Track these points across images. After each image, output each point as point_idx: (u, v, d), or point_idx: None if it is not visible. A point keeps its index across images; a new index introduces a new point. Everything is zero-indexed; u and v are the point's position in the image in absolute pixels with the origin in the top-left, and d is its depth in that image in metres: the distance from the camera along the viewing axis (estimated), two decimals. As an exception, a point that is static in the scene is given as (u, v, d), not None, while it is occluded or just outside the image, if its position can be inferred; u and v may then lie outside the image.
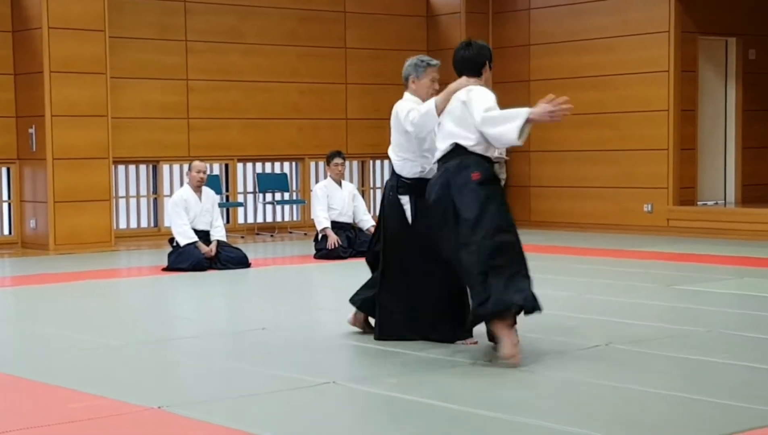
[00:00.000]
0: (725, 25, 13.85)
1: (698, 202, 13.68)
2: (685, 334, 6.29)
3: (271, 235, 13.74)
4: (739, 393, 4.83)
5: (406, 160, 6.22)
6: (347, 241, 10.95)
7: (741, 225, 12.50)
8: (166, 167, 13.51)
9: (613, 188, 13.70)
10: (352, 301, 6.42)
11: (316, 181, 13.70)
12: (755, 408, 4.51)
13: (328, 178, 11.30)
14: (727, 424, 4.27)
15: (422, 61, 6.33)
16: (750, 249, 11.12)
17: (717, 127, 14.13)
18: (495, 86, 15.11)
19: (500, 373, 5.31)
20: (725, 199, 14.13)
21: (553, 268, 9.90)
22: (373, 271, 6.43)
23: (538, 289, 8.33)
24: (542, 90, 14.47)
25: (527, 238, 13.10)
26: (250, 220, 14.24)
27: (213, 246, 10.05)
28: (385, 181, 6.33)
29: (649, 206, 13.32)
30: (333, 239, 10.81)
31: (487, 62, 6.15)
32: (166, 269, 10.00)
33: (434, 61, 6.37)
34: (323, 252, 10.87)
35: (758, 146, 14.26)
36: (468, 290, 5.77)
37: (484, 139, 5.93)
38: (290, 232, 14.09)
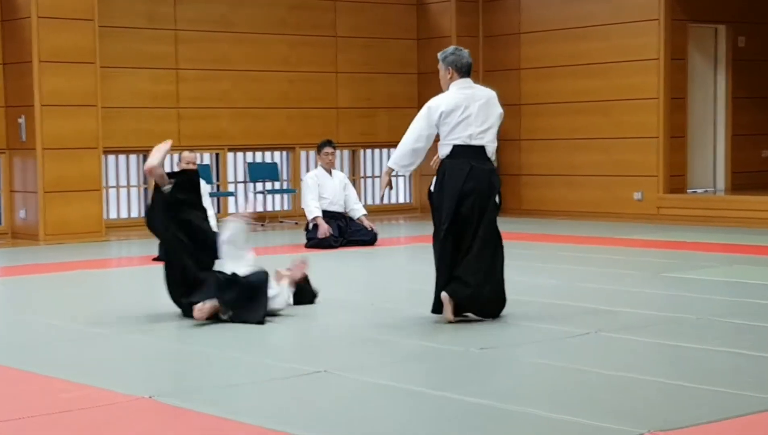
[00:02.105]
0: (715, 12, 13.87)
1: (688, 190, 13.71)
2: (674, 321, 6.31)
3: (262, 225, 13.73)
4: (729, 379, 4.86)
5: None
6: (338, 230, 10.95)
7: (731, 212, 12.54)
8: (156, 157, 13.46)
9: (603, 176, 13.72)
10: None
11: (307, 171, 13.69)
12: (745, 394, 4.53)
13: (319, 167, 11.30)
14: (716, 411, 4.29)
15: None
16: (739, 236, 11.16)
17: (707, 114, 14.16)
18: (486, 75, 15.27)
19: (491, 361, 5.33)
20: (715, 187, 14.16)
21: (543, 256, 9.92)
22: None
23: (529, 277, 8.37)
24: (533, 78, 14.51)
25: (518, 227, 13.22)
26: (241, 209, 14.23)
27: (204, 235, 10.03)
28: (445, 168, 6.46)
29: (639, 194, 13.34)
30: (324, 228, 10.81)
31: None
32: (157, 259, 9.98)
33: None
34: (314, 241, 10.87)
35: (747, 133, 14.30)
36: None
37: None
38: (281, 222, 14.09)
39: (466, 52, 6.63)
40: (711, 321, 6.31)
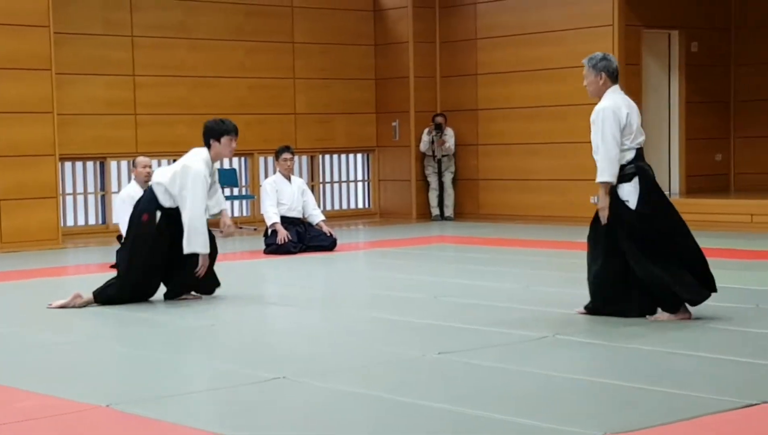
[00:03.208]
0: (668, 18, 14.05)
1: (644, 194, 13.84)
2: (631, 324, 6.37)
3: (221, 231, 13.66)
4: (685, 381, 4.92)
5: None
6: (297, 235, 10.95)
7: (685, 215, 12.51)
8: (113, 163, 13.41)
9: (560, 180, 13.84)
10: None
11: (266, 176, 13.67)
12: (701, 396, 4.58)
13: (278, 173, 11.30)
14: (673, 412, 4.33)
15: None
16: (695, 239, 11.27)
17: (661, 119, 14.33)
18: (443, 80, 15.30)
19: (449, 366, 5.36)
20: (670, 190, 14.33)
21: (500, 260, 9.99)
22: None
23: (487, 281, 8.43)
24: (490, 84, 14.61)
25: (475, 231, 13.27)
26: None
27: (162, 242, 9.99)
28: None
29: (596, 198, 13.43)
30: (283, 234, 10.81)
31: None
32: (114, 266, 9.93)
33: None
34: (273, 247, 10.87)
35: (701, 137, 14.50)
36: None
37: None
38: (240, 228, 14.04)
39: (613, 57, 6.72)
40: (667, 323, 6.38)
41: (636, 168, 6.50)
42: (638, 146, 6.56)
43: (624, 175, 6.52)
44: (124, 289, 7.52)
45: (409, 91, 14.93)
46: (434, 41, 15.08)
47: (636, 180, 6.50)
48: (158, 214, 7.55)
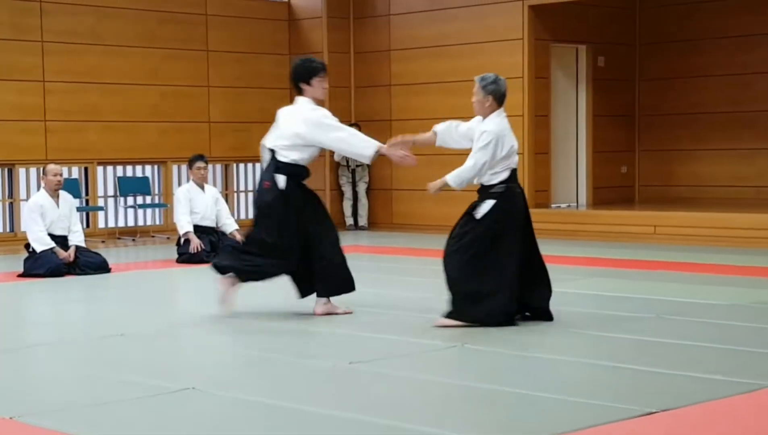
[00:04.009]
0: (575, 32, 14.37)
1: (552, 205, 14.14)
2: (536, 333, 6.52)
3: (133, 240, 13.57)
4: (587, 390, 5.06)
5: None
6: (210, 245, 10.92)
7: (592, 226, 13.00)
8: (22, 171, 13.19)
9: (471, 191, 13.99)
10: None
11: (179, 185, 13.58)
12: (602, 404, 4.71)
13: (191, 181, 11.25)
14: (574, 420, 4.44)
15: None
16: (601, 249, 11.57)
17: (569, 132, 14.64)
18: (357, 90, 15.37)
19: (359, 375, 5.43)
20: (577, 202, 14.65)
21: (413, 269, 10.10)
22: None
23: (398, 290, 8.52)
24: (403, 94, 14.76)
25: (388, 241, 13.36)
26: (111, 224, 14.03)
27: (71, 251, 9.89)
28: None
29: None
30: (195, 243, 10.78)
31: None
32: (22, 275, 9.79)
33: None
34: (186, 256, 10.82)
35: (607, 150, 14.85)
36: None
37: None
38: (153, 236, 13.94)
39: (504, 81, 6.88)
40: (571, 333, 6.54)
41: (505, 188, 6.80)
42: (513, 167, 6.82)
43: (492, 193, 6.83)
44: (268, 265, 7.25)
45: (323, 101, 14.96)
46: (348, 51, 15.18)
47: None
48: (280, 177, 7.10)
